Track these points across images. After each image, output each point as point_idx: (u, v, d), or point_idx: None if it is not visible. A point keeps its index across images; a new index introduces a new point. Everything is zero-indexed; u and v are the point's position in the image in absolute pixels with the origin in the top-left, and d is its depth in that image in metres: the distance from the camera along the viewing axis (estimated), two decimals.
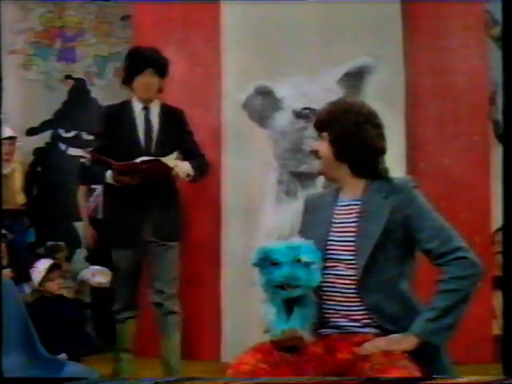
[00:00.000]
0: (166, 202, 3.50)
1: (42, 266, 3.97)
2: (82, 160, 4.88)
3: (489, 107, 4.02)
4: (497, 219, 4.02)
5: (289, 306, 2.02)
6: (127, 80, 3.54)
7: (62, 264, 4.61)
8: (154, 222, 3.46)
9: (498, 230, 4.12)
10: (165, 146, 3.48)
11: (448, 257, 2.07)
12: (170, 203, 3.52)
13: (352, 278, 2.10)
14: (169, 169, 3.40)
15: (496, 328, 3.96)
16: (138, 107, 3.53)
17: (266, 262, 2.00)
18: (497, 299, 3.98)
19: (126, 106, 3.56)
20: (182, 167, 3.45)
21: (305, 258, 1.98)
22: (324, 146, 2.20)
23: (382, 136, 2.22)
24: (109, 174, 3.43)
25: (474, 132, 3.70)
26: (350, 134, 2.17)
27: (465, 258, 2.08)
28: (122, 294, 3.55)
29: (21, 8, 5.45)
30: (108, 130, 3.53)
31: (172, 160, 3.45)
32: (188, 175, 3.47)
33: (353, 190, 2.20)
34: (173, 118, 3.57)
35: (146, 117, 3.52)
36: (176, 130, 3.56)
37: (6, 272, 4.13)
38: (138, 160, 3.37)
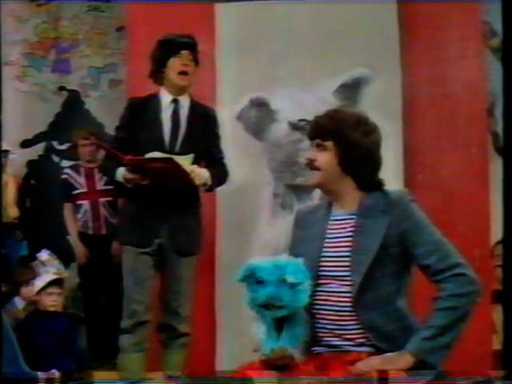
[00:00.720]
0: (186, 210, 3.23)
1: (47, 277, 3.92)
2: (64, 176, 4.78)
3: (487, 118, 3.99)
4: (496, 232, 3.98)
5: (279, 324, 1.96)
6: (159, 66, 3.23)
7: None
8: (170, 230, 3.19)
9: (498, 243, 4.08)
10: (191, 147, 3.20)
11: (446, 273, 2.03)
12: (189, 212, 3.25)
13: (347, 295, 2.05)
14: (184, 173, 3.08)
15: (496, 343, 3.91)
16: (166, 99, 3.25)
17: (251, 279, 1.94)
18: (497, 314, 3.94)
19: (152, 99, 3.28)
20: (199, 174, 3.17)
21: (290, 279, 1.91)
22: (326, 157, 2.12)
23: (380, 148, 2.19)
24: (120, 171, 3.15)
25: (472, 144, 3.67)
26: (359, 145, 2.11)
27: (463, 274, 2.03)
28: (133, 305, 3.18)
29: (15, 19, 5.45)
30: (129, 123, 3.25)
31: (189, 162, 3.13)
32: (204, 184, 3.21)
33: (348, 204, 2.15)
34: (204, 117, 3.30)
35: (174, 110, 3.25)
36: (205, 130, 3.28)
37: None
38: (148, 155, 3.08)
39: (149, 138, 3.19)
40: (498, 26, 4.58)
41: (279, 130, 3.70)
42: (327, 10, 3.69)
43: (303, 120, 3.68)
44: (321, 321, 2.08)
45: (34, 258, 4.82)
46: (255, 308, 1.95)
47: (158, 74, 3.26)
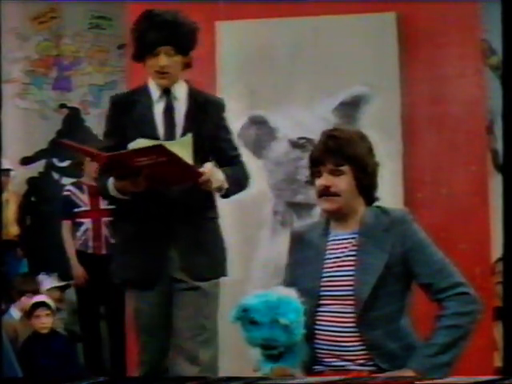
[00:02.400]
0: (200, 223, 2.62)
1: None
2: (66, 193, 4.73)
3: (487, 136, 4.00)
4: (497, 249, 3.98)
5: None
6: (137, 57, 2.64)
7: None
8: (183, 253, 2.57)
9: (499, 260, 4.09)
10: (194, 145, 2.56)
11: (449, 292, 2.05)
12: (204, 225, 2.63)
13: (350, 314, 2.06)
14: (183, 164, 2.38)
15: (498, 360, 3.91)
16: (155, 92, 2.64)
17: (245, 319, 1.96)
18: (498, 331, 3.93)
19: (140, 92, 2.68)
20: (215, 174, 2.53)
21: (283, 321, 1.93)
22: (345, 181, 2.10)
23: None
24: (110, 182, 2.51)
25: (472, 162, 3.67)
26: (369, 162, 2.13)
27: (466, 293, 2.06)
28: (145, 356, 2.65)
29: (17, 36, 5.50)
30: (115, 126, 2.64)
31: (186, 148, 2.45)
32: (220, 188, 2.59)
33: (349, 223, 2.16)
34: (205, 107, 2.67)
35: (167, 104, 2.63)
36: (209, 123, 2.65)
37: None
38: (131, 145, 2.44)
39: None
40: (496, 43, 4.62)
41: (279, 147, 3.71)
42: (327, 29, 3.71)
43: (303, 138, 3.70)
44: (322, 342, 2.09)
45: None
46: (251, 345, 1.97)
47: (139, 60, 2.66)
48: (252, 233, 3.79)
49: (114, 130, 2.65)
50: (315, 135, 3.66)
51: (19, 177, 5.28)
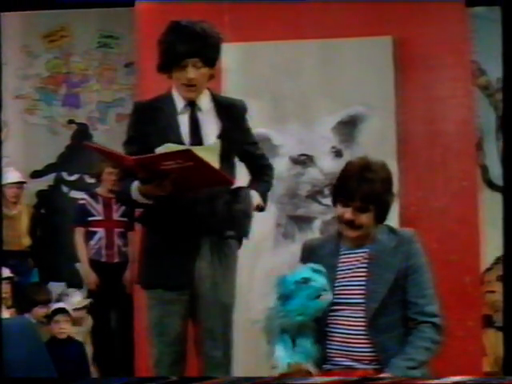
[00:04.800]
0: (224, 241, 2.59)
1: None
2: (81, 201, 4.89)
3: (476, 153, 4.12)
4: (485, 260, 4.15)
5: (294, 343, 2.18)
6: (164, 68, 2.58)
7: None
8: (208, 265, 2.55)
9: (487, 270, 4.27)
10: (222, 154, 2.52)
11: (428, 318, 2.26)
12: (228, 241, 2.61)
13: (360, 319, 2.26)
14: (211, 170, 2.34)
15: (487, 365, 4.06)
16: (180, 102, 2.60)
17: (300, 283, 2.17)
18: (487, 337, 4.09)
19: (163, 100, 2.61)
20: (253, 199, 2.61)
21: (317, 267, 2.22)
22: (369, 218, 2.29)
23: None
24: (135, 186, 2.45)
25: (463, 177, 3.79)
26: (390, 202, 2.33)
27: (440, 325, 2.27)
28: (156, 364, 2.57)
29: (28, 54, 5.59)
30: (138, 133, 2.56)
31: (214, 154, 2.40)
32: (258, 207, 2.64)
33: (360, 240, 2.35)
34: (231, 111, 2.63)
35: (191, 116, 2.58)
36: (235, 129, 2.62)
37: (10, 312, 4.22)
38: (159, 149, 2.38)
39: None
40: (485, 65, 4.78)
41: (281, 164, 3.80)
42: (326, 52, 3.85)
43: (303, 155, 3.83)
44: (333, 343, 2.29)
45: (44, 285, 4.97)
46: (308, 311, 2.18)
47: (165, 72, 2.60)
48: (256, 244, 3.90)
49: (138, 137, 2.57)
50: (315, 152, 3.86)
51: (29, 190, 5.39)
